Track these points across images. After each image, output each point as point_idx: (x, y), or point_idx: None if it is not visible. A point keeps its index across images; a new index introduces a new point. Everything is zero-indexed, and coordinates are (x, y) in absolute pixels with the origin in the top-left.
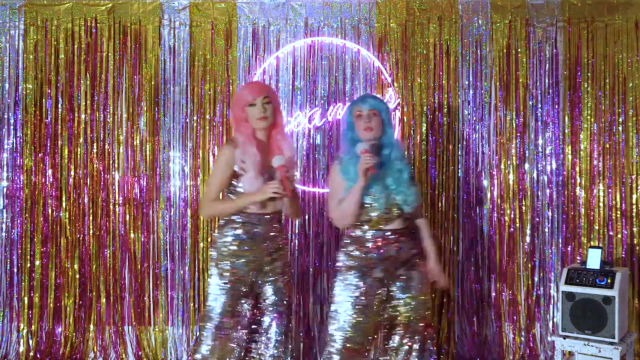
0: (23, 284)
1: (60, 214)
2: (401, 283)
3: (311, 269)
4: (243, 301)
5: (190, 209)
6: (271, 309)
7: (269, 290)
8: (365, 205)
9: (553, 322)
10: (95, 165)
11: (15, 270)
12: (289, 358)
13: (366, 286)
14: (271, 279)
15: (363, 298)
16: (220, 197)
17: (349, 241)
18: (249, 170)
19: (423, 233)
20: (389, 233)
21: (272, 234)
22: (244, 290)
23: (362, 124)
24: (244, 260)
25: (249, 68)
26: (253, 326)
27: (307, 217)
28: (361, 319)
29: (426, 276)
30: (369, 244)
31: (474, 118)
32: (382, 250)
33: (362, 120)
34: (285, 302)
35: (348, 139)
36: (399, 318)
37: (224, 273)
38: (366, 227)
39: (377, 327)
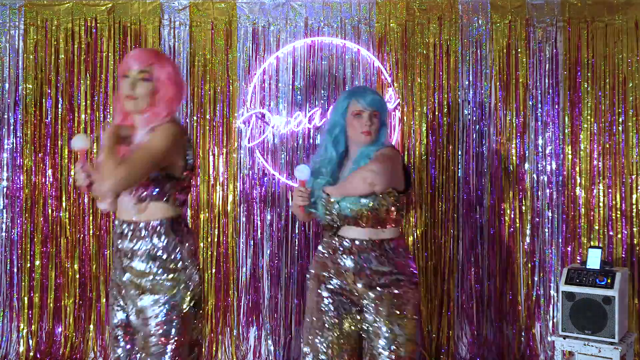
0: (23, 284)
1: (60, 214)
2: (369, 303)
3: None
4: None
5: (190, 209)
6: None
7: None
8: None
9: (553, 322)
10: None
11: (15, 270)
12: None
13: (322, 299)
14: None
15: (317, 312)
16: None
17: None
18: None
19: None
20: (340, 241)
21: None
22: None
23: (361, 125)
24: None
25: (249, 68)
26: None
27: None
28: (318, 334)
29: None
30: (323, 251)
31: (474, 118)
32: (335, 262)
33: (362, 122)
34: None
35: (334, 136)
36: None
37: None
38: (325, 232)
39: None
